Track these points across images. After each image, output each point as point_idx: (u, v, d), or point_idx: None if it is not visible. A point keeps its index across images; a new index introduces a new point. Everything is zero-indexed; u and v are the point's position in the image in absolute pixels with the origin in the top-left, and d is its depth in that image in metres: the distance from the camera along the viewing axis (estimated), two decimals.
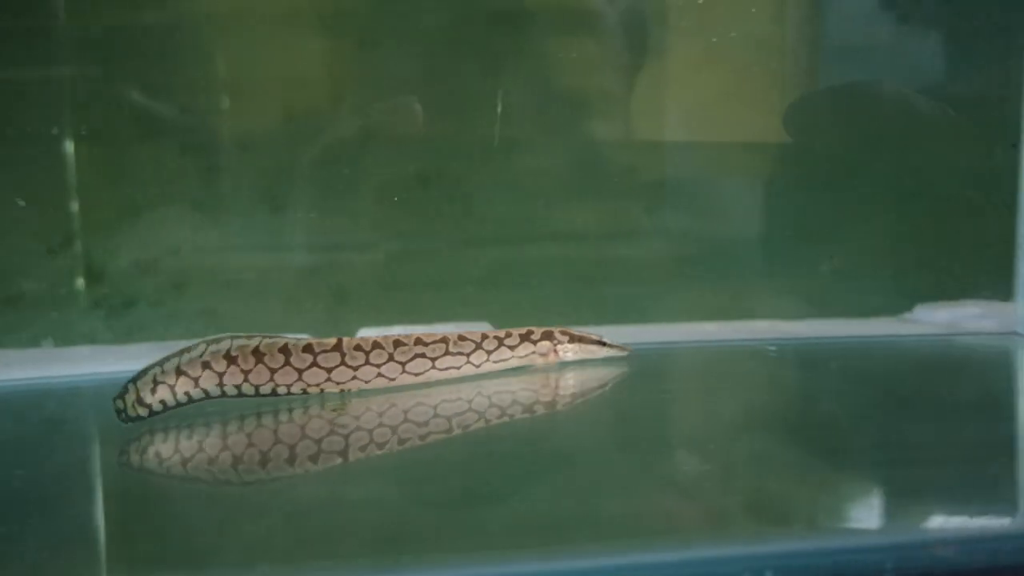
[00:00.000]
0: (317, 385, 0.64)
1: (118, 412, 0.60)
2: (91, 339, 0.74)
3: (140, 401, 0.60)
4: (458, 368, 0.68)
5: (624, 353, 0.73)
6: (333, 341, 0.64)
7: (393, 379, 0.65)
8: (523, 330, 0.71)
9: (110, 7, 0.76)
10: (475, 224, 0.83)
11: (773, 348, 0.80)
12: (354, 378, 0.64)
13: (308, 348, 0.63)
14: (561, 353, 0.72)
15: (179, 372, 0.61)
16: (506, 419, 0.60)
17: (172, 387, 0.61)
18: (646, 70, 0.86)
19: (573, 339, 0.72)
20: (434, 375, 0.66)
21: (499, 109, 0.79)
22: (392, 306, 0.82)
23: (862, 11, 0.86)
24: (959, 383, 0.72)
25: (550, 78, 0.84)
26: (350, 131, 0.81)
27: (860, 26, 0.86)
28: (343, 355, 0.64)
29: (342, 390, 0.65)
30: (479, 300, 0.82)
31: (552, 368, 0.71)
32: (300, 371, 0.63)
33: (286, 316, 0.80)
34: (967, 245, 0.87)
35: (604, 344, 0.73)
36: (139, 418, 0.60)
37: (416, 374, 0.66)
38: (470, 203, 0.83)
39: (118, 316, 0.75)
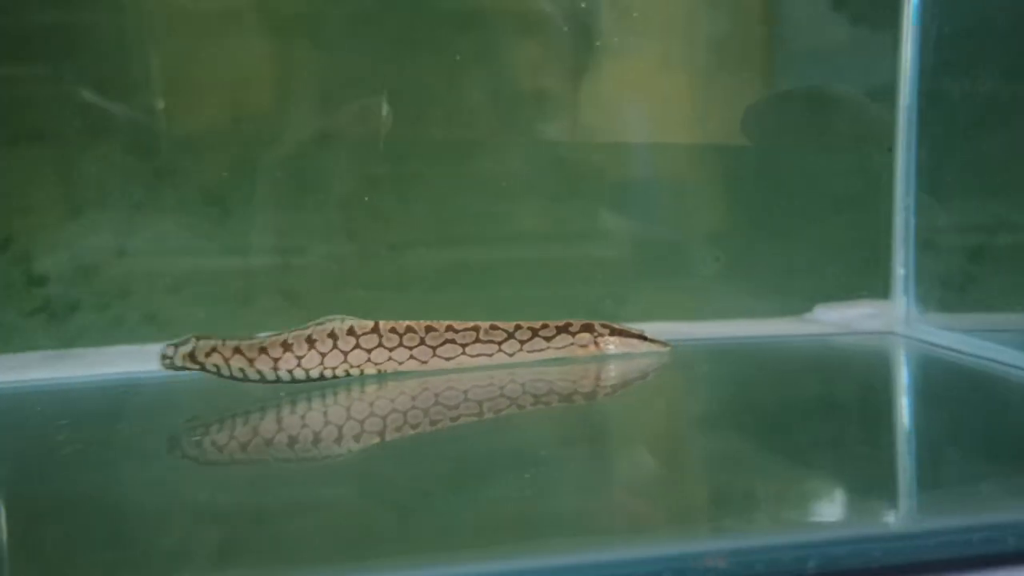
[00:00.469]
0: (358, 366, 0.68)
1: (163, 357, 0.64)
2: (32, 345, 0.72)
3: (192, 357, 0.65)
4: (490, 355, 0.71)
5: (665, 349, 0.75)
6: (371, 323, 0.68)
7: (425, 362, 0.69)
8: (561, 322, 0.73)
9: (52, 4, 0.74)
10: (431, 225, 0.85)
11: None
12: (389, 359, 0.68)
13: (351, 331, 0.68)
14: (603, 345, 0.74)
15: (236, 350, 0.65)
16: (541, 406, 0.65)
17: (227, 360, 0.65)
18: (606, 72, 0.89)
19: (614, 332, 0.75)
20: (465, 361, 0.70)
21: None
22: (345, 308, 0.82)
23: (816, 13, 0.90)
24: (804, 384, 0.76)
25: (506, 79, 0.85)
26: (308, 132, 0.81)
27: (815, 28, 0.90)
28: (380, 336, 0.68)
29: (380, 371, 0.68)
30: (434, 301, 0.84)
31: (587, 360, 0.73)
32: (345, 353, 0.67)
33: (235, 320, 0.79)
34: (850, 246, 0.93)
35: (645, 339, 0.75)
36: (183, 368, 0.65)
37: (447, 358, 0.70)
38: (426, 204, 0.84)
39: (60, 321, 0.73)
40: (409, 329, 0.69)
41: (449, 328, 0.70)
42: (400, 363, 0.69)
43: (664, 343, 0.75)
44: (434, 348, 0.69)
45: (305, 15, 0.82)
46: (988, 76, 0.81)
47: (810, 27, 0.93)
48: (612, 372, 0.73)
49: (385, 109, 0.81)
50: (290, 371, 0.66)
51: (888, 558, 0.41)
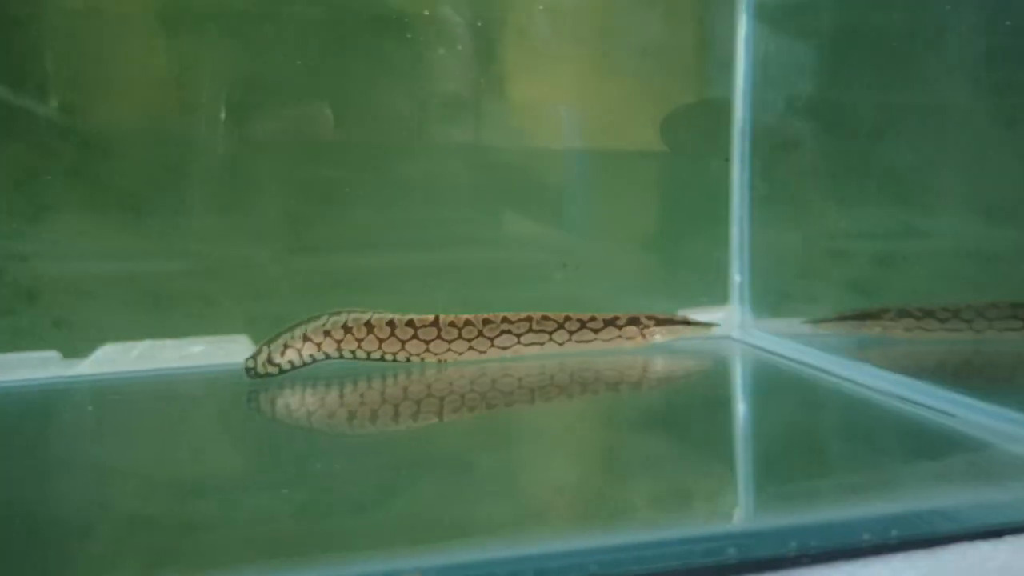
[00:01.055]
0: (418, 355, 0.75)
1: (248, 370, 0.72)
2: None
3: (271, 361, 0.72)
4: (541, 344, 0.77)
5: (711, 329, 0.81)
6: (431, 317, 0.75)
7: (483, 352, 0.76)
8: (608, 315, 0.78)
9: None
10: (355, 231, 0.84)
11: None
12: (448, 350, 0.75)
13: (410, 323, 0.75)
14: (649, 336, 0.78)
15: (305, 338, 0.73)
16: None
17: (299, 350, 0.73)
18: (538, 77, 0.90)
19: (660, 322, 0.79)
20: (520, 350, 0.77)
21: (223, 115, 0.78)
22: (263, 313, 0.81)
23: (781, 20, 0.90)
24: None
25: (432, 84, 0.85)
26: (229, 134, 0.79)
27: (795, 33, 0.89)
28: (439, 329, 0.75)
29: (440, 360, 0.75)
30: (353, 305, 0.83)
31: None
32: (403, 342, 0.74)
33: (149, 325, 0.77)
34: (693, 253, 0.97)
35: (689, 323, 0.80)
36: (268, 375, 0.72)
37: (504, 348, 0.76)
38: (351, 209, 0.84)
39: None
40: (468, 323, 0.75)
41: (504, 319, 0.76)
42: (460, 354, 0.75)
43: (709, 323, 0.81)
44: (492, 339, 0.76)
45: (227, 16, 0.81)
46: (809, 90, 0.85)
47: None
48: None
49: (327, 113, 0.81)
50: (352, 351, 0.73)
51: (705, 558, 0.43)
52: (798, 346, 0.83)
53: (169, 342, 0.83)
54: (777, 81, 0.88)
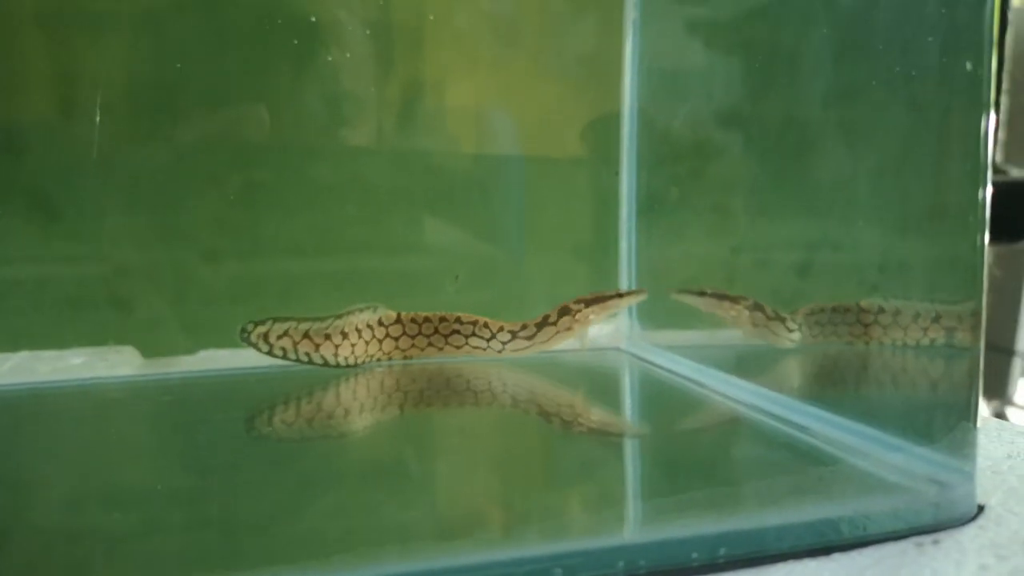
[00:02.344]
0: (387, 354, 0.78)
1: (242, 329, 0.74)
2: None
3: (265, 338, 0.75)
4: (483, 350, 0.78)
5: (643, 295, 0.79)
6: (394, 315, 0.78)
7: (441, 349, 0.78)
8: (538, 318, 0.78)
9: None
10: (276, 234, 0.83)
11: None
12: (412, 346, 0.78)
13: (380, 322, 0.77)
14: (582, 320, 0.76)
15: (306, 335, 0.75)
16: None
17: (296, 343, 0.75)
18: (476, 83, 0.90)
19: (589, 303, 0.77)
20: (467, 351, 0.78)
21: (98, 118, 0.76)
22: (179, 318, 0.80)
23: (667, 35, 0.92)
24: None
25: (359, 86, 0.84)
26: (145, 134, 0.77)
27: (666, 49, 0.91)
28: (404, 326, 0.78)
29: (405, 358, 0.78)
30: (277, 311, 0.81)
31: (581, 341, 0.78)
32: (381, 341, 0.77)
33: (62, 332, 0.76)
34: (587, 265, 0.98)
35: (622, 295, 0.78)
36: (255, 348, 0.75)
37: (457, 347, 0.79)
38: (272, 212, 0.82)
39: None
40: (427, 320, 0.77)
41: (457, 320, 0.78)
42: (421, 349, 0.77)
43: (639, 291, 0.79)
44: (446, 336, 0.78)
45: (142, 15, 0.78)
46: (720, 104, 0.86)
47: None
48: None
49: (263, 115, 0.80)
50: (345, 358, 0.76)
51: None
52: (679, 358, 0.84)
53: (46, 353, 0.81)
54: (681, 94, 0.89)
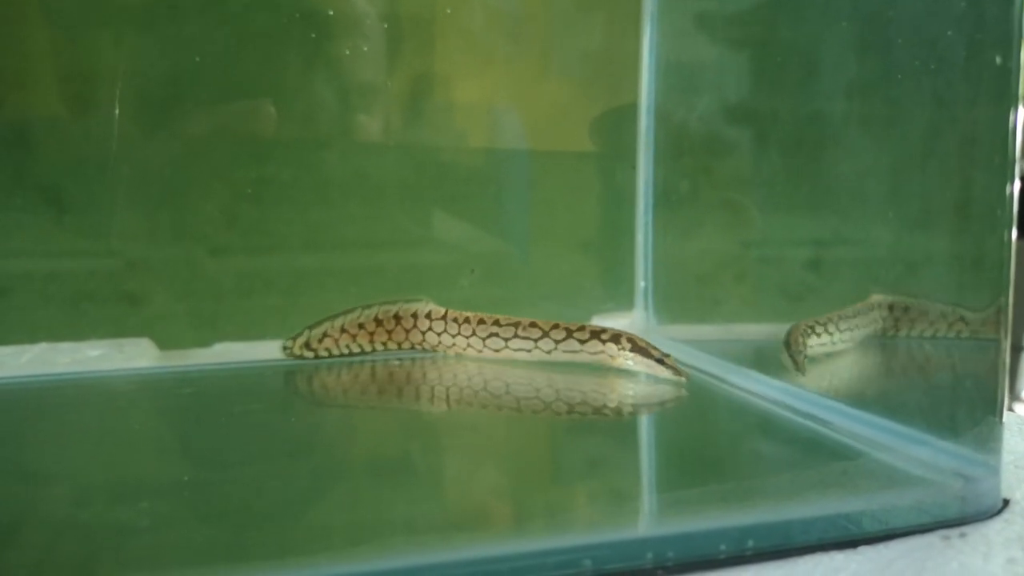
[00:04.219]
0: (433, 346, 0.81)
1: (284, 349, 0.80)
2: None
3: (308, 345, 0.80)
4: (528, 351, 0.78)
5: (680, 380, 0.73)
6: (443, 311, 0.81)
7: (480, 351, 0.79)
8: (596, 327, 0.77)
9: None
10: (285, 229, 0.84)
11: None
12: (453, 345, 0.81)
13: (428, 315, 0.81)
14: (621, 359, 0.75)
15: (343, 329, 0.80)
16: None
17: (336, 340, 0.80)
18: (485, 78, 0.90)
19: (636, 348, 0.75)
20: (508, 354, 0.79)
21: (117, 111, 0.77)
22: (188, 312, 0.81)
23: (684, 30, 0.91)
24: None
25: (372, 81, 0.84)
26: (156, 130, 0.77)
27: (683, 44, 0.90)
28: (446, 323, 0.80)
29: (456, 354, 0.81)
30: (287, 306, 0.84)
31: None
32: (424, 332, 0.81)
33: (72, 325, 0.77)
34: (601, 260, 0.98)
35: (663, 363, 0.73)
36: (303, 358, 0.80)
37: (495, 350, 0.79)
38: (281, 208, 0.83)
39: None
40: (481, 321, 0.79)
41: (496, 322, 0.79)
42: (477, 350, 0.79)
43: (680, 372, 0.73)
44: (484, 339, 0.79)
45: (153, 11, 0.78)
46: (734, 100, 0.86)
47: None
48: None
49: (270, 110, 0.80)
50: (384, 344, 0.80)
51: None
52: (696, 352, 0.84)
53: (65, 345, 0.81)
54: (697, 88, 0.89)
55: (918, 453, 0.57)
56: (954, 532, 0.50)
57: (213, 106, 0.81)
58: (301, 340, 0.80)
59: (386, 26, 0.84)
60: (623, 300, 0.96)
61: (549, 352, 0.78)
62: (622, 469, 0.59)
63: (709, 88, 0.88)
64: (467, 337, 0.80)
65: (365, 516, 0.51)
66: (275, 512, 0.50)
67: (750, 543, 0.48)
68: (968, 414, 0.55)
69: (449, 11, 0.88)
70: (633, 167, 0.94)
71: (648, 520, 0.51)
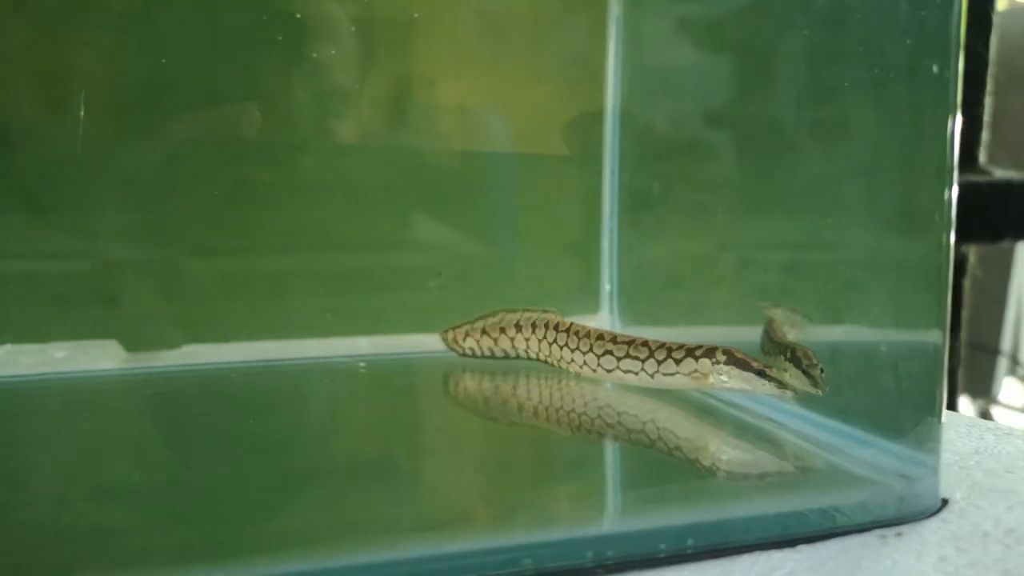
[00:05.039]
0: (556, 361, 0.78)
1: (443, 337, 0.84)
2: None
3: (456, 341, 0.83)
4: (635, 374, 0.71)
5: (785, 395, 0.63)
6: (568, 323, 0.78)
7: (594, 370, 0.74)
8: (692, 344, 0.68)
9: None
10: (263, 231, 0.83)
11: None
12: (572, 361, 0.76)
13: (549, 325, 0.79)
14: (714, 377, 0.65)
15: (483, 331, 0.82)
16: None
17: (477, 341, 0.82)
18: (472, 80, 0.90)
19: (732, 360, 0.65)
20: (618, 376, 0.72)
21: (82, 113, 0.76)
22: (168, 315, 0.81)
23: (666, 34, 0.89)
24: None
25: (353, 83, 0.84)
26: (132, 130, 0.77)
27: (664, 48, 0.89)
28: (568, 335, 0.77)
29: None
30: (266, 309, 0.83)
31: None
32: (549, 344, 0.79)
33: (49, 326, 0.76)
34: (572, 263, 0.99)
35: (765, 375, 0.63)
36: (453, 352, 0.84)
37: (608, 370, 0.73)
38: (261, 210, 0.83)
39: None
40: (599, 337, 0.74)
41: (613, 339, 0.73)
42: (592, 368, 0.74)
43: (784, 387, 0.63)
44: (599, 356, 0.73)
45: (132, 9, 0.78)
46: (674, 108, 0.87)
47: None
48: None
49: (256, 114, 0.80)
50: (524, 351, 0.80)
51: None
52: None
53: (30, 347, 0.81)
54: (664, 92, 0.90)
55: (864, 454, 0.58)
56: (891, 531, 0.51)
57: (193, 108, 0.81)
58: (451, 336, 0.83)
59: (354, 29, 0.85)
60: (590, 303, 0.96)
61: (652, 376, 0.69)
62: (560, 470, 0.60)
63: (673, 92, 0.89)
64: (584, 353, 0.74)
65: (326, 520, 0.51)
66: (226, 515, 0.51)
67: (690, 542, 0.49)
68: (909, 415, 0.56)
69: (418, 15, 0.88)
70: (599, 171, 0.95)
71: (588, 519, 0.51)
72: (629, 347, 0.70)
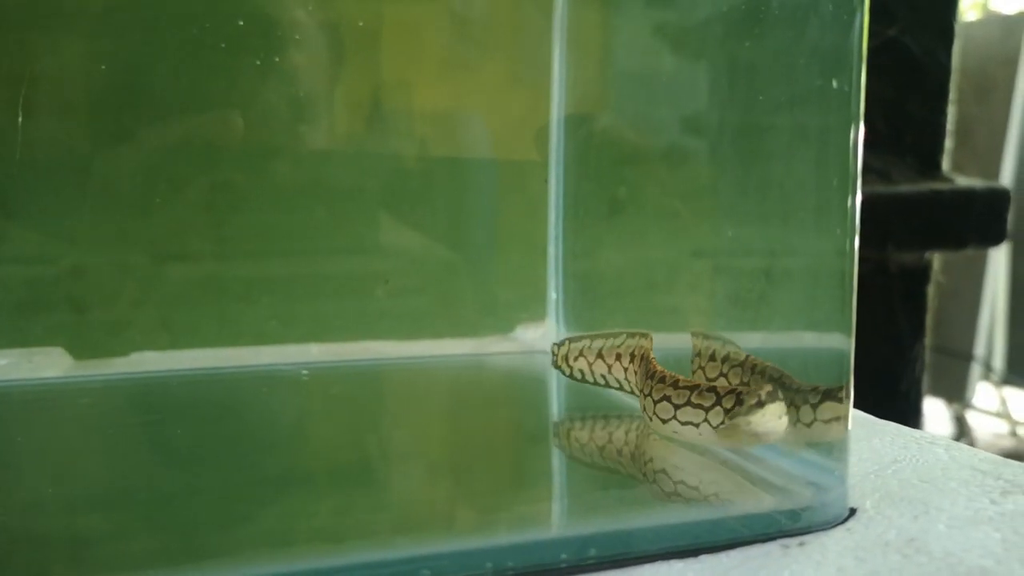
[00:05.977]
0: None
1: (552, 354, 0.74)
2: None
3: (566, 360, 0.73)
4: (696, 425, 0.56)
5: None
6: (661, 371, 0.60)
7: (650, 418, 0.59)
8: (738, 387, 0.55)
9: None
10: (238, 236, 0.83)
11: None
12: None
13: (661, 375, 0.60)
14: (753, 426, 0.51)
15: (599, 355, 0.69)
16: None
17: (590, 364, 0.70)
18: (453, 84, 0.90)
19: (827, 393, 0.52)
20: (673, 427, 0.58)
21: (19, 120, 0.75)
22: (136, 320, 0.80)
23: (642, 39, 0.87)
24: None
25: (330, 88, 0.84)
26: (103, 134, 0.77)
27: (641, 54, 0.86)
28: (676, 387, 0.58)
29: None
30: (239, 317, 0.83)
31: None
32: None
33: (16, 333, 0.76)
34: (518, 271, 0.99)
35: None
36: (560, 371, 0.73)
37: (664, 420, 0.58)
38: (234, 214, 0.82)
39: None
40: (661, 379, 0.59)
41: (675, 382, 0.58)
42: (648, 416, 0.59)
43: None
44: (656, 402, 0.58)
45: (100, 12, 0.78)
46: (616, 116, 0.87)
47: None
48: None
49: (238, 120, 0.80)
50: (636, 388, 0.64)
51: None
52: None
53: None
54: (606, 103, 0.90)
55: (778, 462, 0.59)
56: (795, 541, 0.51)
57: (166, 112, 0.81)
58: (562, 352, 0.72)
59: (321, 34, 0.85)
60: (536, 311, 0.96)
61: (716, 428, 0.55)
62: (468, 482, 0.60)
63: (618, 101, 0.90)
64: (646, 396, 0.60)
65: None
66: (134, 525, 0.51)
67: (592, 552, 0.49)
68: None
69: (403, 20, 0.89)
70: (546, 181, 0.95)
71: (487, 530, 0.52)
72: (691, 393, 0.56)
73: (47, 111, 0.77)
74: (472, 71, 0.95)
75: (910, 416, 1.57)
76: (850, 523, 0.53)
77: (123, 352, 0.85)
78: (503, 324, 0.96)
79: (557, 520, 0.51)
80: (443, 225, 0.96)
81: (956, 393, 2.60)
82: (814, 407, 0.53)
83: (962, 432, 2.54)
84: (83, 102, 0.78)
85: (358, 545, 0.49)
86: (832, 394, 0.52)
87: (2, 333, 0.81)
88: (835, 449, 0.55)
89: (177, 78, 0.81)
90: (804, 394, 0.53)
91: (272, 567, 0.46)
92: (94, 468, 0.61)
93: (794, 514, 0.53)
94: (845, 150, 0.52)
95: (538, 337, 0.95)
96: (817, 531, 0.52)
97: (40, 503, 0.54)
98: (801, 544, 0.51)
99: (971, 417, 2.65)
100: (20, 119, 0.77)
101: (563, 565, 0.48)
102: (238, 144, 0.83)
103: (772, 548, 0.50)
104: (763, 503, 0.53)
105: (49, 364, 0.83)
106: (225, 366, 0.87)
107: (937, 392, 2.54)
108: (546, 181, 0.95)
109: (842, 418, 0.53)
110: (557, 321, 0.95)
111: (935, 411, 2.60)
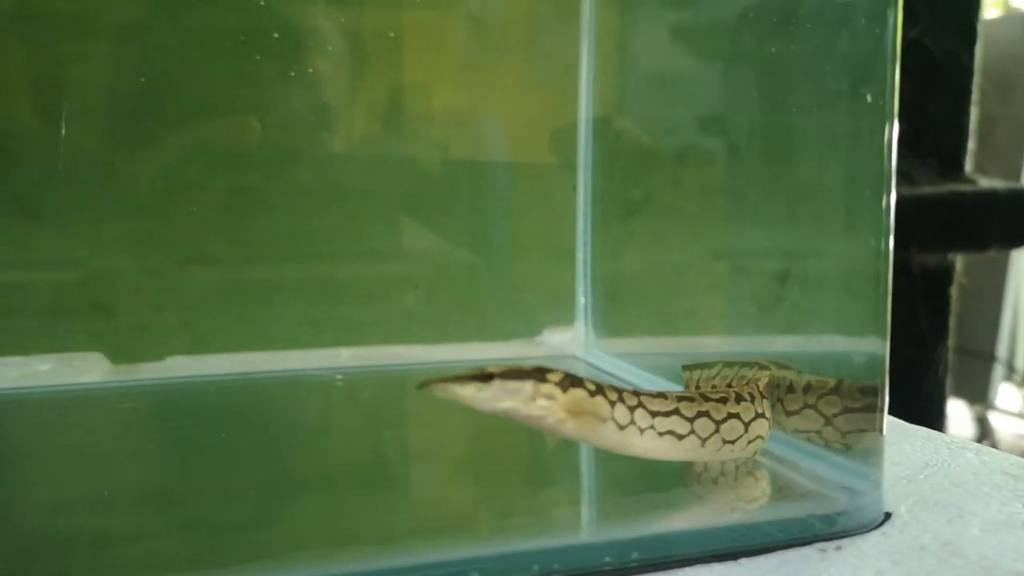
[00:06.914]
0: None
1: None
2: None
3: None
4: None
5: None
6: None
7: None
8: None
9: None
10: (260, 240, 0.84)
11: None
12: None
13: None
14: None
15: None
16: None
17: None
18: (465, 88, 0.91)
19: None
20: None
21: (63, 131, 0.77)
22: (163, 325, 0.81)
23: (661, 42, 0.88)
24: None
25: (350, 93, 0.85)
26: (128, 140, 0.78)
27: (659, 56, 0.88)
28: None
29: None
30: (262, 318, 0.84)
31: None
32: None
33: (41, 337, 0.77)
34: (545, 276, 0.99)
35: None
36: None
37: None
38: (257, 218, 0.83)
39: None
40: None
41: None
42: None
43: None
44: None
45: (125, 21, 0.79)
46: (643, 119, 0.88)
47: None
48: None
49: (255, 124, 0.80)
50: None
51: None
52: (627, 365, 0.86)
53: (13, 359, 0.83)
54: (635, 106, 0.91)
55: (813, 467, 0.60)
56: (831, 545, 0.52)
57: (188, 117, 0.82)
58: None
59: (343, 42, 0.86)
60: (564, 315, 0.97)
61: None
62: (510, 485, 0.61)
63: (644, 104, 0.90)
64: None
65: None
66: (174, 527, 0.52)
67: (635, 555, 0.50)
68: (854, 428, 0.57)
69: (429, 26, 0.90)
70: (574, 187, 0.96)
71: (533, 532, 0.53)
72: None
73: (75, 118, 0.78)
74: (499, 75, 0.96)
75: (934, 418, 1.57)
76: (885, 527, 0.54)
77: (158, 357, 0.87)
78: (531, 328, 0.97)
79: (599, 524, 0.52)
80: (470, 229, 0.97)
81: (978, 394, 2.59)
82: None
83: (984, 433, 2.53)
84: (109, 109, 0.80)
85: (407, 546, 0.50)
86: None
87: (40, 338, 0.82)
88: (870, 454, 0.56)
89: (202, 85, 0.82)
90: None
91: (325, 568, 0.47)
92: (141, 472, 0.63)
93: (830, 519, 0.53)
94: (880, 150, 0.53)
95: (566, 341, 0.96)
96: (853, 535, 0.53)
97: (95, 502, 0.56)
98: (838, 548, 0.52)
99: (993, 418, 2.63)
100: (63, 131, 0.79)
101: (607, 568, 0.49)
102: (269, 150, 0.84)
103: (809, 552, 0.51)
104: (799, 508, 0.54)
105: (88, 369, 0.85)
106: (257, 371, 0.88)
107: (959, 393, 2.53)
108: (574, 188, 0.96)
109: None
110: (586, 325, 0.96)
111: (957, 412, 2.60)
